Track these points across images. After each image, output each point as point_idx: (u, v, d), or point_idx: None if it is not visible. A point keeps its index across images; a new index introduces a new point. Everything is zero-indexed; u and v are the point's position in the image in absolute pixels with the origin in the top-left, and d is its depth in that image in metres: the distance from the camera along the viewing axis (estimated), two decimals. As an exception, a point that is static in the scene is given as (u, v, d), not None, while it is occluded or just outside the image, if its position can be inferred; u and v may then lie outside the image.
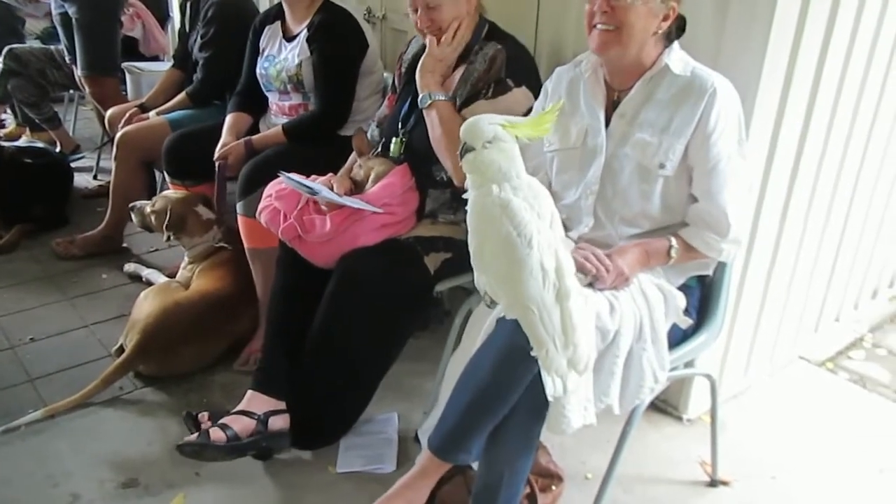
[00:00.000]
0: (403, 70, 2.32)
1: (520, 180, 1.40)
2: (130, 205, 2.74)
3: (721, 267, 1.83)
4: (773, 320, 2.42)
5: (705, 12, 1.91)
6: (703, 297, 1.84)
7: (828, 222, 2.43)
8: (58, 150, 4.12)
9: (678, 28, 1.72)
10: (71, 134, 4.36)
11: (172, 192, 2.74)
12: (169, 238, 2.64)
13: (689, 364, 1.89)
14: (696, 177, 1.67)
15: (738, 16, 1.86)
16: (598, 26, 1.65)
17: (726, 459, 2.09)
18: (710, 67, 1.72)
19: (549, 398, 1.45)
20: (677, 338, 1.75)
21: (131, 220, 2.77)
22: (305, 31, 2.60)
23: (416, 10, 2.08)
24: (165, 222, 2.60)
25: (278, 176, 2.16)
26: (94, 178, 4.04)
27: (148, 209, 2.68)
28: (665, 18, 1.65)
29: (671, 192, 1.70)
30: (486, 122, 1.39)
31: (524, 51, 2.14)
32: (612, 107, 1.76)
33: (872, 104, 2.33)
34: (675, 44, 1.72)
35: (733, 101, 1.67)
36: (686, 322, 1.74)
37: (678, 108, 1.66)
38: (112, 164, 3.15)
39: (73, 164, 3.90)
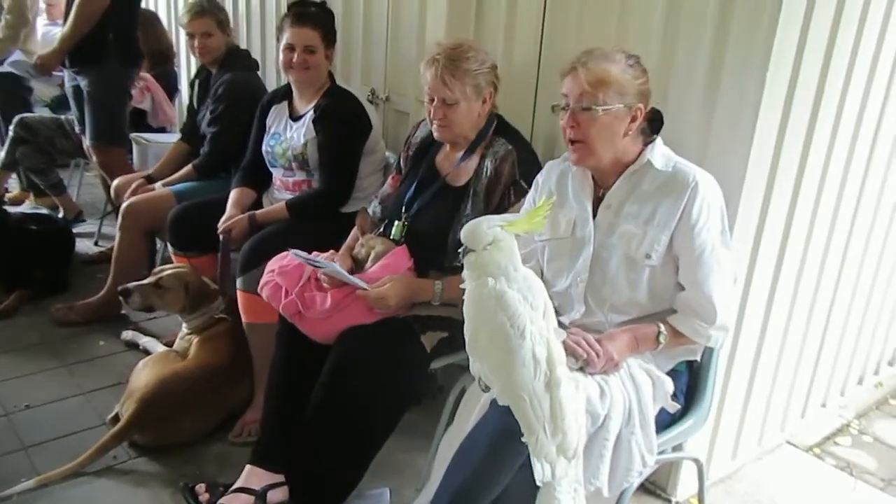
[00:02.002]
0: (411, 153, 2.40)
1: (517, 273, 1.48)
2: (121, 288, 2.67)
3: (708, 352, 1.89)
4: (760, 405, 2.47)
5: (693, 111, 2.02)
6: (691, 381, 1.90)
7: (813, 310, 2.51)
8: (60, 215, 4.20)
9: (654, 121, 1.82)
10: (74, 200, 4.44)
11: (171, 268, 2.73)
12: (184, 311, 2.65)
13: (677, 447, 1.93)
14: (682, 266, 1.75)
15: (724, 114, 1.97)
16: (570, 141, 1.76)
17: (714, 544, 2.12)
18: (697, 163, 1.81)
19: (538, 483, 1.49)
20: (665, 422, 1.80)
21: (127, 303, 2.69)
22: (312, 112, 2.71)
23: (431, 101, 2.15)
24: (187, 297, 2.62)
25: (279, 252, 2.23)
26: (96, 244, 4.09)
27: (150, 287, 2.65)
28: (633, 119, 1.75)
29: (658, 281, 1.77)
30: (486, 227, 1.48)
31: (530, 149, 2.22)
32: (598, 199, 1.85)
33: (853, 197, 2.44)
34: (658, 139, 1.82)
35: (715, 194, 1.76)
36: (674, 406, 1.79)
37: (661, 201, 1.75)
38: (116, 233, 3.21)
39: (75, 230, 3.96)
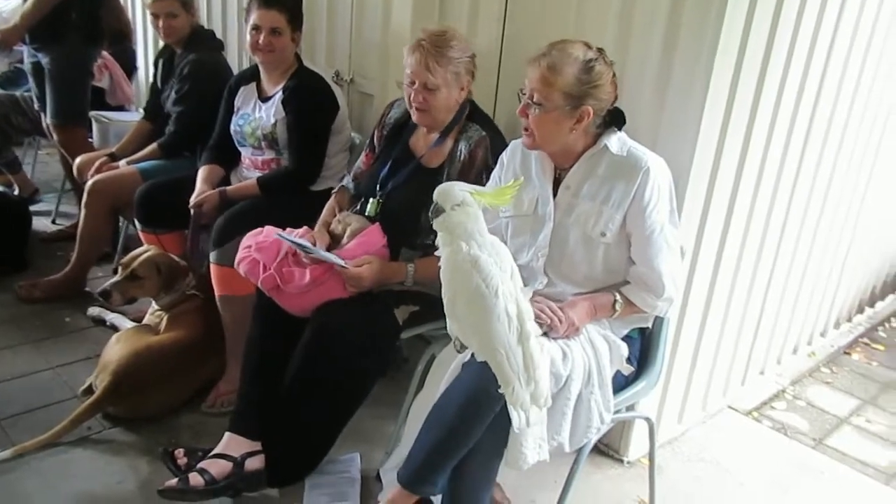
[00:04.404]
0: (385, 133, 2.45)
1: (483, 238, 1.61)
2: (100, 291, 2.68)
3: (659, 321, 2.04)
4: (704, 372, 2.65)
5: (646, 96, 2.16)
6: (643, 347, 2.05)
7: (753, 284, 2.69)
8: (16, 193, 4.16)
9: (615, 117, 1.92)
10: (30, 178, 4.39)
11: (139, 254, 2.71)
12: (160, 294, 2.68)
13: (630, 408, 2.10)
14: (634, 244, 1.89)
15: (675, 99, 2.11)
16: (525, 128, 1.89)
17: (663, 500, 2.28)
18: (649, 146, 1.95)
19: (516, 430, 1.62)
20: (620, 384, 1.95)
21: (106, 305, 2.70)
22: (281, 93, 2.76)
23: (412, 84, 2.20)
24: (160, 279, 2.65)
25: (253, 226, 2.30)
26: (53, 222, 4.06)
27: (125, 281, 2.65)
28: (579, 120, 1.84)
29: (612, 257, 1.91)
30: (458, 189, 1.60)
31: (501, 136, 2.29)
32: (558, 179, 1.97)
33: (791, 177, 2.62)
34: (617, 131, 1.92)
35: (665, 177, 1.90)
36: (628, 369, 1.94)
37: (616, 183, 1.88)
38: (80, 211, 3.22)
39: (31, 208, 3.92)
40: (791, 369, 3.22)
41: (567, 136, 1.87)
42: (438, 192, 1.61)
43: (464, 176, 2.18)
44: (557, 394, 1.76)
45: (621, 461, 2.48)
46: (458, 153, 2.22)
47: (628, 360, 1.94)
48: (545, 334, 1.79)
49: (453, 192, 1.60)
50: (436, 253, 1.64)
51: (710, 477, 2.48)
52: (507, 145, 2.12)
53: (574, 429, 1.80)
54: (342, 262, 2.12)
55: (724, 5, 1.96)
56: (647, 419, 2.11)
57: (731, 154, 2.25)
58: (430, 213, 1.62)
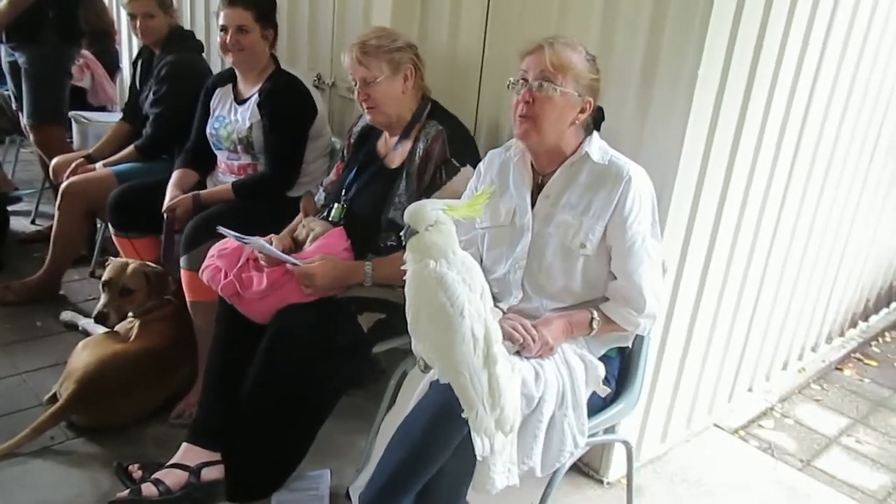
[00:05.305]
0: (352, 141, 2.45)
1: (455, 256, 1.53)
2: (96, 315, 2.55)
3: (639, 339, 1.96)
4: (689, 390, 2.58)
5: (629, 106, 2.09)
6: (622, 367, 1.97)
7: (741, 298, 2.62)
8: (-3, 192, 4.09)
9: (596, 119, 1.89)
10: (10, 177, 4.32)
11: (122, 267, 2.60)
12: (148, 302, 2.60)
13: (609, 430, 2.01)
14: (614, 256, 1.82)
15: (659, 108, 2.05)
16: (519, 116, 1.81)
17: (643, 522, 2.21)
18: (632, 155, 1.88)
19: (479, 457, 1.55)
20: (597, 405, 1.87)
21: (106, 326, 2.60)
22: (257, 96, 2.70)
23: (356, 86, 2.21)
24: (150, 287, 2.58)
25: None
26: (33, 222, 4.01)
27: (118, 300, 2.55)
28: (582, 111, 1.82)
29: (592, 270, 1.84)
30: (430, 208, 1.52)
31: (463, 129, 2.28)
32: (537, 189, 1.91)
33: (781, 188, 2.55)
34: (595, 133, 1.89)
35: (647, 188, 1.83)
36: (605, 391, 1.87)
37: (597, 193, 1.82)
38: (55, 213, 3.16)
39: (10, 208, 3.86)
40: (780, 386, 3.15)
41: (566, 130, 1.82)
42: (409, 214, 1.54)
43: (423, 172, 2.16)
44: (529, 416, 1.68)
45: (601, 482, 2.40)
46: (417, 151, 2.20)
47: (606, 381, 1.86)
48: (518, 353, 1.72)
49: (425, 212, 1.53)
50: (402, 267, 1.57)
51: (693, 499, 2.41)
52: (468, 138, 2.08)
53: (546, 452, 1.73)
54: (293, 260, 2.07)
55: (709, 14, 1.90)
56: (626, 442, 2.04)
57: (717, 165, 2.18)
58: (402, 235, 1.55)
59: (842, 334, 3.65)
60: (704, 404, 2.72)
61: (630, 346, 1.96)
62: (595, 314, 1.82)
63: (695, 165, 2.11)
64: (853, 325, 3.74)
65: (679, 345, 2.41)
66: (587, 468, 2.43)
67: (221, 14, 2.63)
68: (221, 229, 2.16)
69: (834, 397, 3.21)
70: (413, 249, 1.53)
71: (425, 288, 1.51)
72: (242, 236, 2.11)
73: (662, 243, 1.92)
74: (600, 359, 1.87)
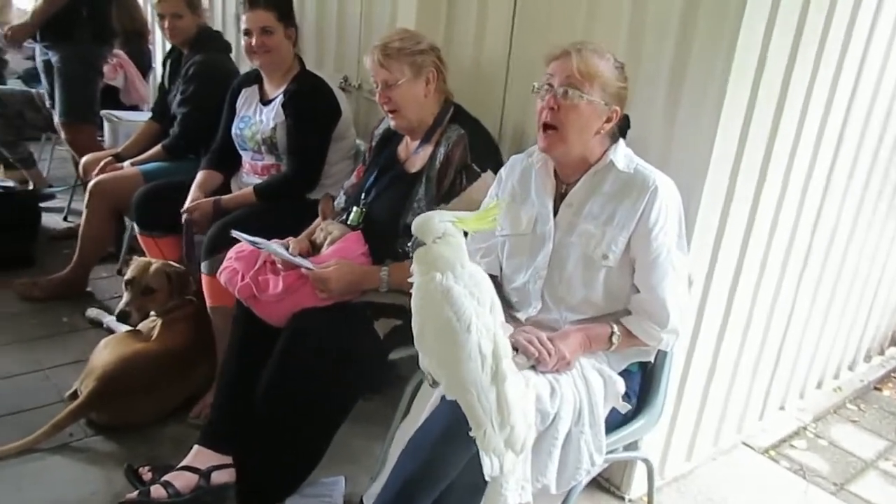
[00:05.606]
0: (374, 144, 2.42)
1: (463, 270, 1.48)
2: (118, 313, 2.57)
3: (662, 354, 1.90)
4: (717, 406, 2.49)
5: (656, 112, 2.02)
6: (644, 382, 1.91)
7: (773, 313, 2.53)
8: (30, 188, 4.15)
9: (622, 127, 1.83)
10: (45, 174, 4.39)
11: (145, 267, 2.61)
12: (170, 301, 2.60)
13: (630, 446, 1.94)
14: (638, 268, 1.75)
15: (687, 117, 1.98)
16: (545, 126, 1.75)
17: (664, 542, 2.14)
18: (659, 165, 1.82)
19: (487, 477, 1.49)
20: (617, 421, 1.81)
21: (129, 324, 2.60)
22: (281, 96, 2.69)
23: (377, 88, 2.18)
24: (171, 287, 2.58)
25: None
26: (65, 219, 4.05)
27: (140, 298, 2.56)
28: (608, 120, 1.76)
29: (614, 282, 1.78)
30: (437, 220, 1.47)
31: (485, 134, 2.23)
32: (560, 197, 1.85)
33: (817, 199, 2.46)
34: (621, 141, 1.83)
35: (674, 198, 1.77)
36: (625, 407, 1.80)
37: (621, 203, 1.75)
38: (83, 211, 3.19)
39: (43, 205, 3.91)
40: (814, 405, 3.04)
41: (591, 139, 1.77)
42: (417, 226, 1.49)
43: (442, 177, 2.12)
44: (544, 432, 1.63)
45: (622, 498, 2.33)
46: (438, 156, 2.16)
47: (626, 397, 1.80)
48: (533, 367, 1.67)
49: (432, 224, 1.48)
50: (409, 279, 1.53)
51: (718, 520, 2.33)
52: (491, 144, 2.02)
53: (561, 470, 1.67)
54: (308, 265, 2.05)
55: (740, 18, 1.83)
56: (646, 460, 1.97)
57: (748, 175, 2.10)
58: (409, 247, 1.51)
59: (881, 352, 3.51)
60: (733, 422, 2.63)
61: (652, 361, 1.89)
62: (615, 328, 1.76)
63: (724, 175, 2.03)
64: (894, 342, 3.60)
65: (706, 360, 2.33)
66: (608, 483, 2.36)
67: (244, 18, 2.63)
68: (235, 233, 2.15)
69: (872, 418, 3.09)
70: (420, 261, 1.48)
71: (431, 301, 1.47)
72: (256, 240, 2.09)
73: (689, 256, 1.85)
74: (621, 373, 1.81)
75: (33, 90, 4.07)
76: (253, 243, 2.09)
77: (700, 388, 2.37)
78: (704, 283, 2.16)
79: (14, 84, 4.51)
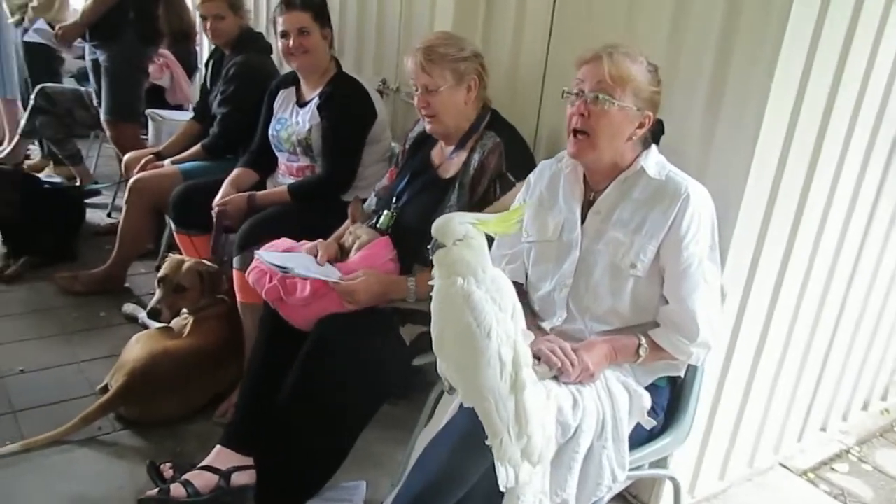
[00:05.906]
0: (407, 147, 2.40)
1: (485, 274, 1.44)
2: (150, 310, 2.60)
3: (692, 369, 1.83)
4: (753, 425, 2.41)
5: (695, 121, 1.96)
6: (672, 398, 1.84)
7: (815, 330, 2.43)
8: (77, 184, 4.23)
9: (655, 132, 1.77)
10: (92, 171, 4.48)
11: (177, 264, 2.64)
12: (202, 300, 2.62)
13: (657, 463, 1.88)
14: (667, 279, 1.69)
15: (727, 126, 1.91)
16: (575, 132, 1.71)
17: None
18: (697, 175, 1.76)
19: (501, 488, 1.45)
20: (642, 437, 1.75)
21: (159, 321, 2.62)
22: (317, 98, 2.70)
23: (416, 92, 2.16)
24: (203, 285, 2.61)
25: (277, 234, 2.24)
26: (109, 215, 4.12)
27: (171, 296, 2.59)
28: (640, 125, 1.71)
29: (642, 293, 1.72)
30: (458, 222, 1.44)
31: (521, 143, 2.19)
32: (588, 203, 1.80)
33: (866, 213, 2.36)
34: (653, 147, 1.77)
35: (707, 207, 1.70)
36: (650, 423, 1.74)
37: (651, 210, 1.70)
38: (123, 207, 3.24)
39: (88, 201, 4.00)
40: (859, 427, 2.91)
41: (622, 144, 1.72)
42: (437, 228, 1.46)
43: (476, 184, 2.09)
44: (564, 445, 1.58)
45: (650, 516, 2.27)
46: (472, 162, 2.12)
47: (652, 412, 1.74)
48: (555, 378, 1.62)
49: (453, 226, 1.44)
50: (429, 283, 1.50)
51: (750, 543, 2.25)
52: (527, 153, 1.97)
53: (582, 485, 1.62)
54: (335, 278, 2.03)
55: (785, 23, 1.76)
56: (673, 479, 1.91)
57: (791, 185, 2.03)
58: (429, 249, 1.47)
59: (934, 374, 3.37)
60: (770, 442, 2.53)
61: (682, 375, 1.83)
62: (642, 340, 1.70)
63: (766, 183, 1.96)
64: (947, 364, 3.45)
65: (742, 376, 2.25)
66: (636, 501, 2.29)
67: (280, 20, 2.64)
68: (259, 256, 2.12)
69: (920, 443, 2.96)
70: (440, 264, 1.45)
71: (451, 306, 1.43)
72: (283, 266, 2.06)
73: (723, 268, 1.79)
74: (648, 388, 1.75)
75: (83, 89, 4.16)
76: (281, 269, 2.06)
77: (735, 405, 2.29)
78: (742, 296, 2.09)
79: (68, 82, 4.61)
